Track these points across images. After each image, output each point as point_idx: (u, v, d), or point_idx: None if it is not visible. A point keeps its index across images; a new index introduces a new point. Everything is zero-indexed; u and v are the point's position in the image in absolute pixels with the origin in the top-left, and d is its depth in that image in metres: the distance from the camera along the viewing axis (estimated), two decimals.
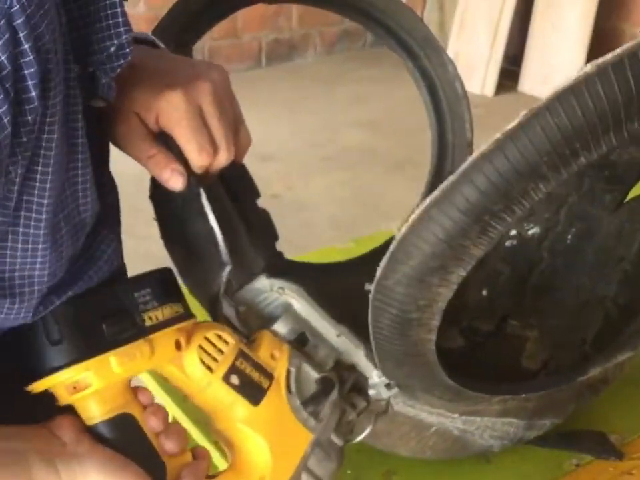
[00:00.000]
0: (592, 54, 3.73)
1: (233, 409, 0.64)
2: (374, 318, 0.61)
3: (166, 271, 0.64)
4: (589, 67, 0.44)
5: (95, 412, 0.58)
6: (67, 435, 0.57)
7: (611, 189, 1.04)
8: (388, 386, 0.73)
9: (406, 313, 0.57)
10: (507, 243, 1.10)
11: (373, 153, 3.04)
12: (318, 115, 3.40)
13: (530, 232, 1.10)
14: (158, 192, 0.71)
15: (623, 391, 1.00)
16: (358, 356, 0.72)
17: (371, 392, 0.74)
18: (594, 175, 1.05)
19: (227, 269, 0.69)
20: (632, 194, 1.05)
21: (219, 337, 0.64)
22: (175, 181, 0.63)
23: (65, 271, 0.57)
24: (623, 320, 0.92)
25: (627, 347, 0.79)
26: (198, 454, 0.63)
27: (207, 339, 0.63)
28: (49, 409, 0.59)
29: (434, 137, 1.16)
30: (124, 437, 0.59)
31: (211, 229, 0.69)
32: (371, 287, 0.59)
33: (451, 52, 1.12)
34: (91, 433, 0.58)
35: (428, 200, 0.49)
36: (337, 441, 0.70)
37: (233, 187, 0.76)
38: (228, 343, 0.64)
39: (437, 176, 1.18)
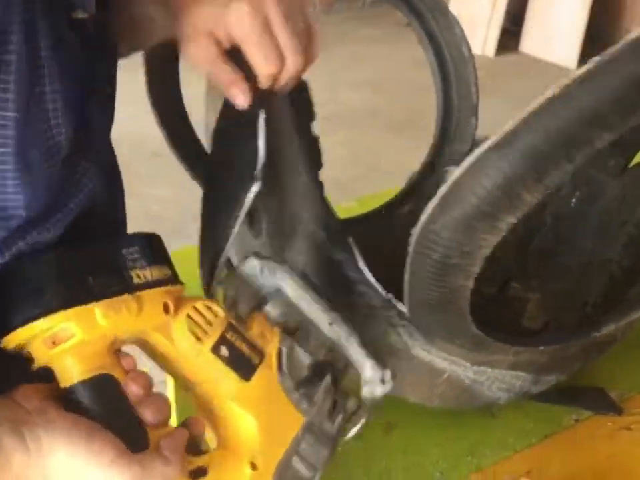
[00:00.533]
0: (593, 14, 3.68)
1: (222, 383, 0.61)
2: (413, 263, 0.61)
3: (154, 236, 0.61)
4: None
5: (73, 370, 0.54)
6: (31, 403, 0.54)
7: (616, 154, 1.06)
8: (382, 382, 0.69)
9: (448, 258, 0.57)
10: None
11: (373, 112, 3.01)
12: (317, 75, 3.39)
13: None
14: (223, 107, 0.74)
15: (623, 348, 1.00)
16: (351, 346, 0.69)
17: (365, 389, 0.70)
18: None
19: (257, 184, 0.67)
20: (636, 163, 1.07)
21: (209, 308, 0.61)
22: (242, 99, 0.67)
23: (42, 201, 0.56)
24: (627, 282, 0.94)
25: (638, 305, 0.81)
26: (187, 423, 0.60)
27: (195, 309, 0.60)
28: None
29: (439, 100, 1.16)
30: (103, 400, 0.55)
31: (256, 148, 0.68)
32: (414, 232, 0.59)
33: (452, 11, 1.11)
34: (67, 396, 0.55)
35: (488, 143, 0.50)
36: (330, 428, 0.66)
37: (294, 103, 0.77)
38: (217, 315, 0.61)
39: (441, 139, 1.18)
